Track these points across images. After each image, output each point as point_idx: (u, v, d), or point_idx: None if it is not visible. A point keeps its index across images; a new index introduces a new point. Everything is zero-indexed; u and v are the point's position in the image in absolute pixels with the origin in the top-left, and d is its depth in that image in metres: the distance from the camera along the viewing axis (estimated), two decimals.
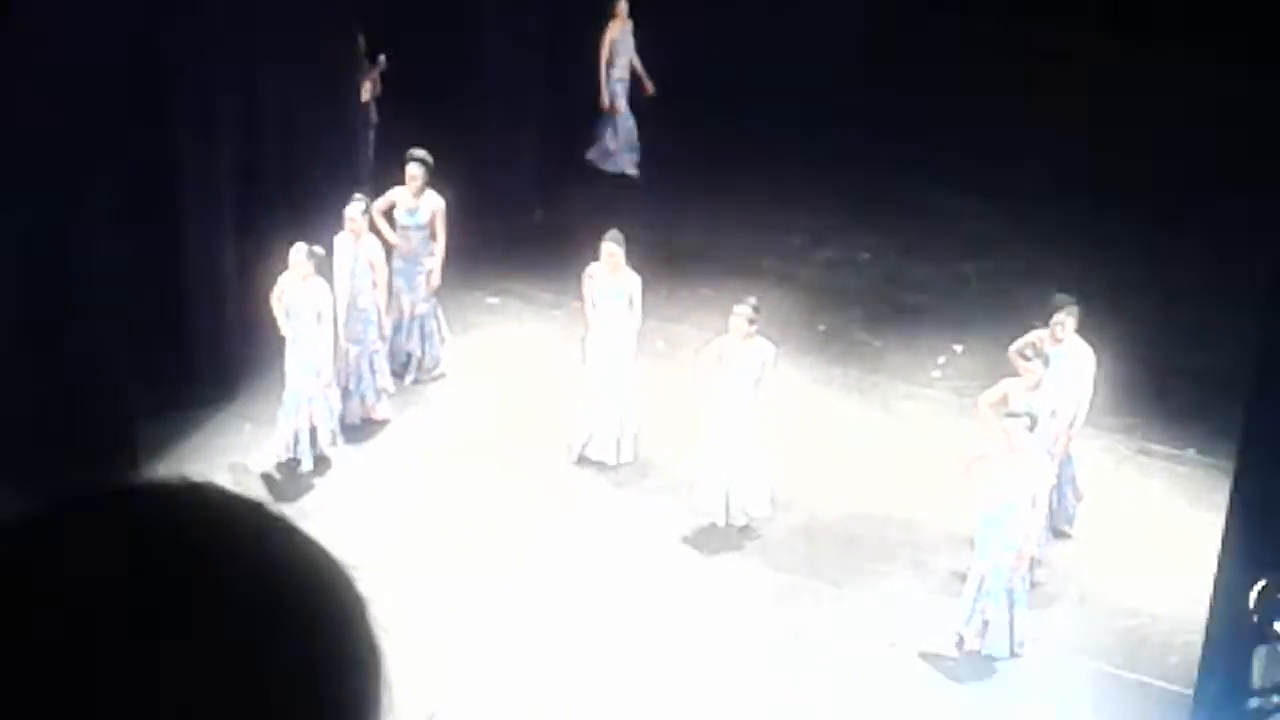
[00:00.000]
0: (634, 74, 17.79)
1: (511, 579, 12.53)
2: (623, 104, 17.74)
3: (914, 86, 16.99)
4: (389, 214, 14.28)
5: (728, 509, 13.11)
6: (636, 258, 15.40)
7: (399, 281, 14.28)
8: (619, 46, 17.53)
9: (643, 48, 17.71)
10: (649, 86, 17.71)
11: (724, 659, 12.07)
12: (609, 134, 17.86)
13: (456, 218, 14.61)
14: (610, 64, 17.56)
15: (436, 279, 14.52)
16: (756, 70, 17.68)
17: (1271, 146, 15.10)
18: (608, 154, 17.93)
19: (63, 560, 1.32)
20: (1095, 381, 12.88)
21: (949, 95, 16.67)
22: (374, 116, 15.94)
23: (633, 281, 13.69)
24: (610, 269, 13.69)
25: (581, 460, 13.85)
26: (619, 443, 13.87)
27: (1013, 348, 12.95)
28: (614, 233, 13.78)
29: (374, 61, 15.84)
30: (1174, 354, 15.12)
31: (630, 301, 13.73)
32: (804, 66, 17.42)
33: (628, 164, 17.90)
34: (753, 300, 13.15)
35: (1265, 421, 9.84)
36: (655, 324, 15.49)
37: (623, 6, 17.43)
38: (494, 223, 15.18)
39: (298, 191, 14.32)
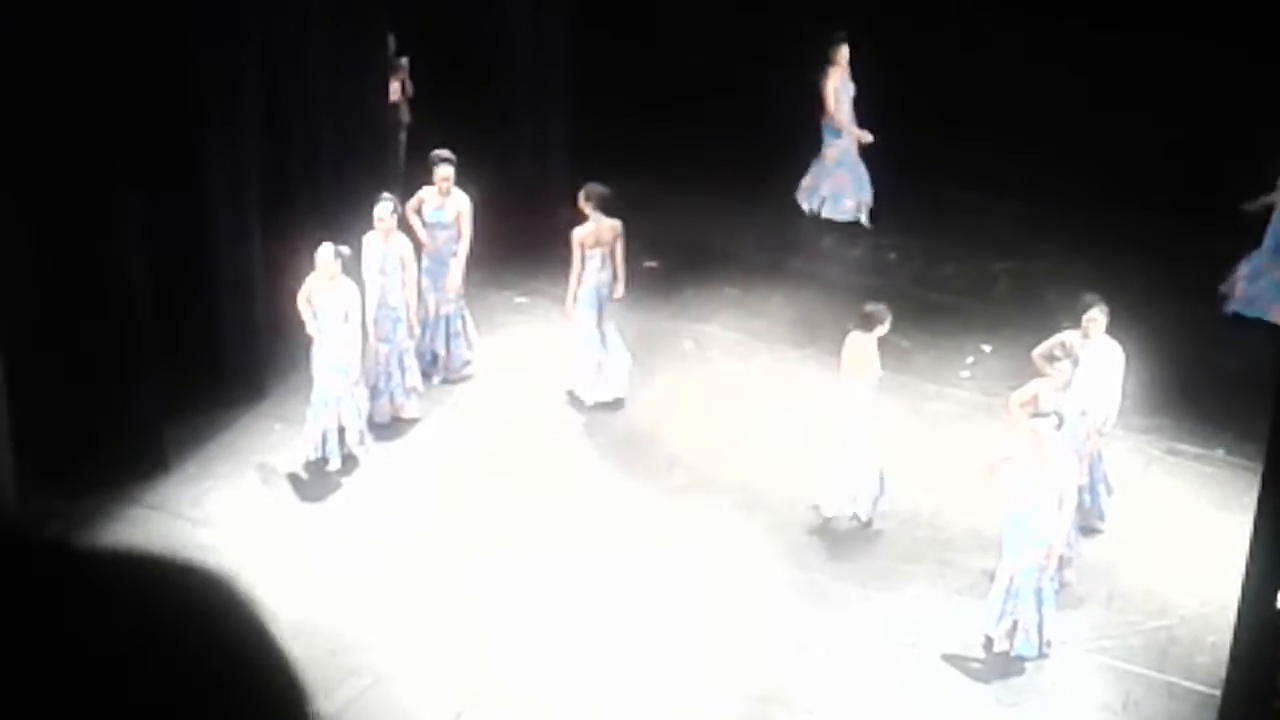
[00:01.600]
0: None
1: (539, 577, 12.55)
2: (850, 152, 17.02)
3: (943, 86, 16.96)
4: (418, 213, 14.35)
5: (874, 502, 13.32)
6: (664, 258, 15.45)
7: (426, 280, 14.34)
8: (841, 94, 16.83)
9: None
10: (864, 136, 16.96)
11: (750, 658, 12.07)
12: (839, 181, 17.14)
13: (485, 217, 14.66)
14: (835, 111, 16.89)
15: (457, 278, 14.55)
16: (782, 68, 17.66)
17: None
18: (825, 199, 17.22)
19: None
20: (1124, 381, 12.86)
21: (978, 95, 16.63)
22: (405, 116, 15.97)
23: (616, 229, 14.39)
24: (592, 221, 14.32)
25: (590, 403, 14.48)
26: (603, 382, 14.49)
27: (1036, 351, 12.93)
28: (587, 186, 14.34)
29: (396, 65, 15.81)
30: (1202, 354, 15.09)
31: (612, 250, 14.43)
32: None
33: (861, 210, 17.19)
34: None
35: None
36: (683, 324, 15.54)
37: (843, 54, 16.70)
38: (522, 222, 15.24)
39: (325, 192, 14.38)
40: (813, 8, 17.09)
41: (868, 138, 16.82)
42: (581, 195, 14.31)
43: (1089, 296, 13.06)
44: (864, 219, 17.14)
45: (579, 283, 14.31)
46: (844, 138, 16.94)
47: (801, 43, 17.00)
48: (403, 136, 15.85)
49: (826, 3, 17.11)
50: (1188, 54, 15.84)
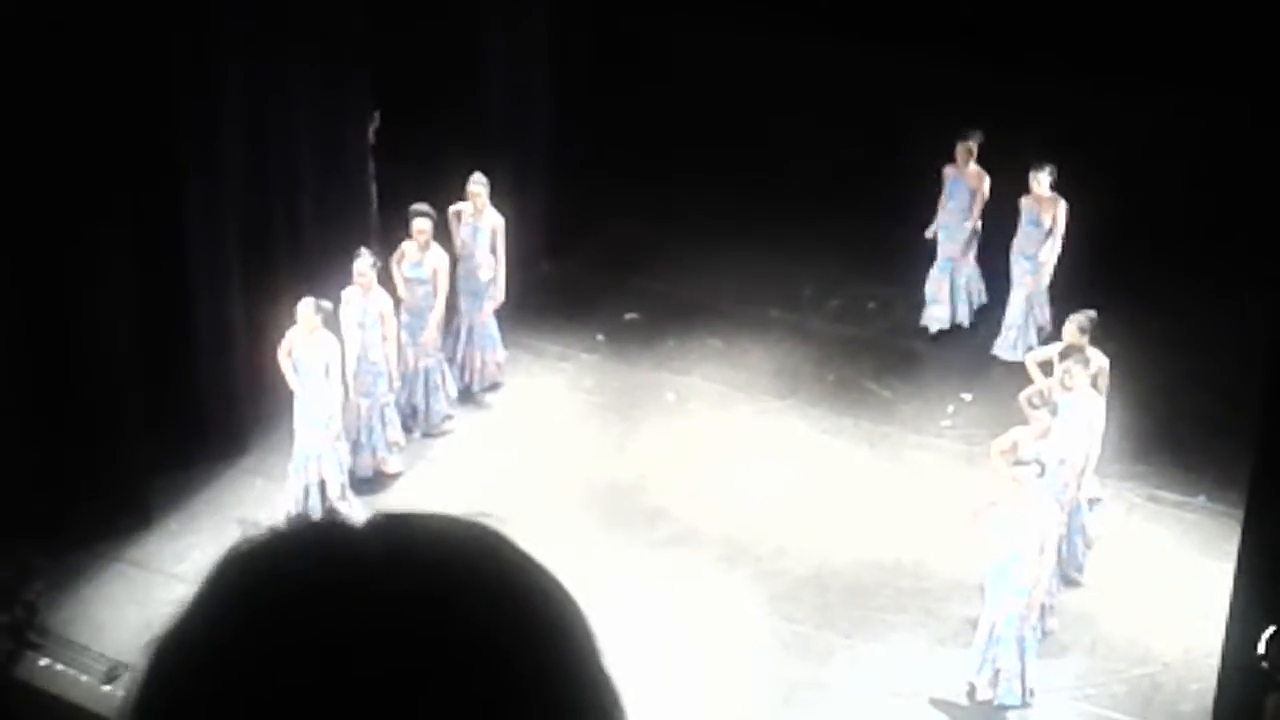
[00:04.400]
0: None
1: None
2: (956, 251, 16.00)
3: (919, 135, 17.01)
4: (398, 267, 14.40)
5: None
6: (645, 310, 15.45)
7: (405, 335, 14.36)
8: (955, 189, 15.86)
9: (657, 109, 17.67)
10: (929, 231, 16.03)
11: (734, 710, 12.05)
12: (935, 286, 16.17)
13: None
14: (943, 207, 15.92)
15: (433, 333, 14.57)
16: (763, 121, 17.74)
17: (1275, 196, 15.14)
18: (932, 304, 16.24)
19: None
20: (1105, 430, 12.88)
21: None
22: (371, 169, 15.91)
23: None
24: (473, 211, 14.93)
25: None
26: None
27: (1022, 395, 13.01)
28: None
29: (369, 118, 15.78)
30: (1183, 401, 15.12)
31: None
32: (810, 114, 17.47)
33: (960, 315, 16.26)
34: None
35: (1273, 469, 9.85)
36: (665, 376, 15.55)
37: (965, 150, 15.71)
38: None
39: (305, 246, 14.39)
40: (788, 67, 17.18)
41: (929, 234, 16.03)
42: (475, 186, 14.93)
43: (1067, 346, 13.12)
44: (955, 324, 16.26)
45: None
46: (947, 241, 16.06)
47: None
48: (373, 190, 15.79)
49: (801, 64, 17.20)
50: (1166, 104, 15.90)
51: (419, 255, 14.36)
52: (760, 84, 17.70)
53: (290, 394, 13.41)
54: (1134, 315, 15.92)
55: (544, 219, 16.78)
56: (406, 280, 14.42)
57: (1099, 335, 13.24)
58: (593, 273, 17.01)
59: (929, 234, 16.06)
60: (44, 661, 12.23)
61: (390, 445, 14.17)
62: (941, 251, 16.19)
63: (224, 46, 13.41)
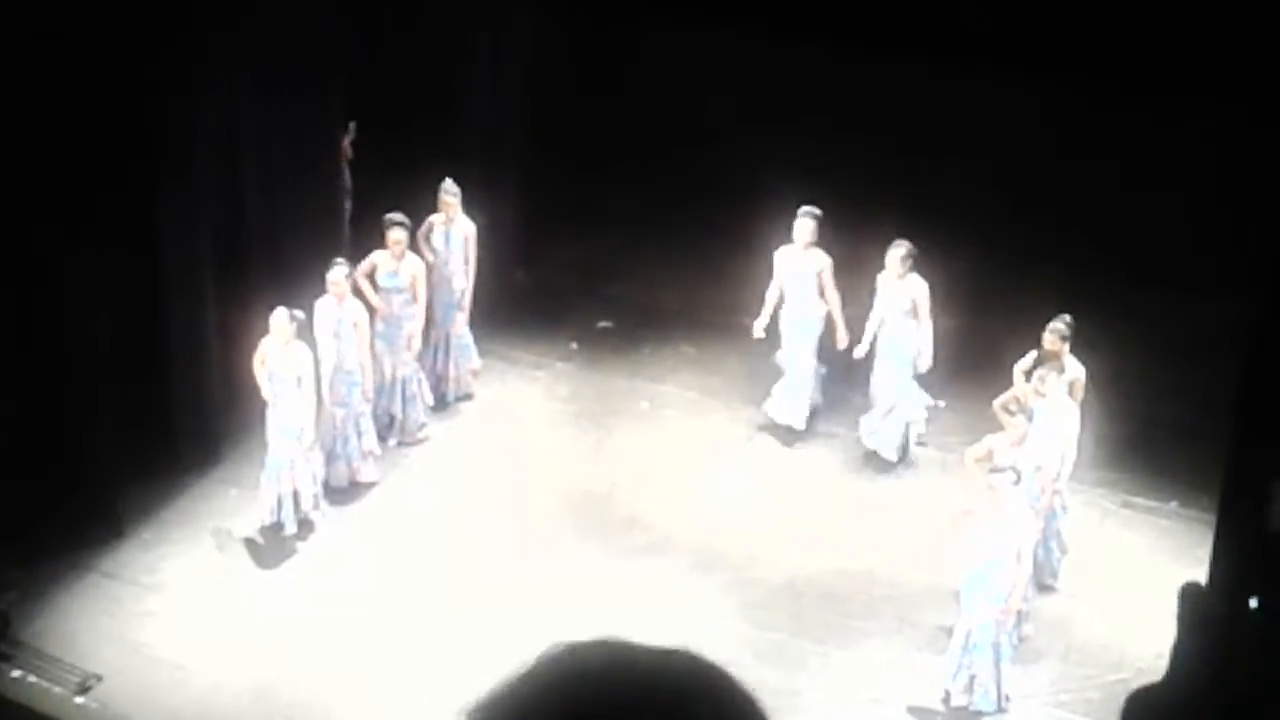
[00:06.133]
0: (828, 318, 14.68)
1: (497, 639, 12.50)
2: (796, 346, 14.76)
3: (895, 145, 17.05)
4: (370, 277, 14.35)
5: None
6: (619, 317, 15.41)
7: (380, 344, 14.33)
8: (790, 277, 14.69)
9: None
10: (840, 339, 14.62)
11: None
12: (780, 378, 14.91)
13: None
14: (780, 295, 14.68)
15: (417, 343, 14.57)
16: (737, 129, 17.73)
17: (1248, 204, 15.17)
18: (774, 399, 14.96)
19: None
20: (1079, 436, 12.91)
21: (931, 153, 16.71)
22: (348, 182, 15.88)
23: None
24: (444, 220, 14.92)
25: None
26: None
27: (997, 402, 13.02)
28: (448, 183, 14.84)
29: (345, 128, 15.76)
30: (1156, 408, 15.16)
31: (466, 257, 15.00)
32: (787, 124, 17.47)
33: (793, 414, 14.88)
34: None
35: (1244, 474, 9.87)
36: (639, 383, 15.56)
37: (803, 231, 14.64)
38: (476, 284, 15.25)
39: (279, 256, 14.36)
40: (766, 75, 17.19)
41: (841, 342, 14.66)
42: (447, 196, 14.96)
43: (1042, 352, 13.14)
44: (798, 423, 14.94)
45: None
46: (790, 332, 14.83)
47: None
48: (348, 204, 15.73)
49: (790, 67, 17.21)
50: (1138, 110, 15.92)
51: (395, 264, 14.35)
52: (736, 93, 17.69)
53: (263, 404, 13.39)
54: (1106, 323, 15.96)
55: (518, 227, 16.76)
56: (383, 290, 14.39)
57: (1076, 343, 13.26)
58: (566, 281, 17.01)
59: (758, 331, 14.73)
60: (16, 673, 12.18)
61: (365, 455, 14.15)
62: (792, 347, 14.84)
63: (199, 54, 13.37)
